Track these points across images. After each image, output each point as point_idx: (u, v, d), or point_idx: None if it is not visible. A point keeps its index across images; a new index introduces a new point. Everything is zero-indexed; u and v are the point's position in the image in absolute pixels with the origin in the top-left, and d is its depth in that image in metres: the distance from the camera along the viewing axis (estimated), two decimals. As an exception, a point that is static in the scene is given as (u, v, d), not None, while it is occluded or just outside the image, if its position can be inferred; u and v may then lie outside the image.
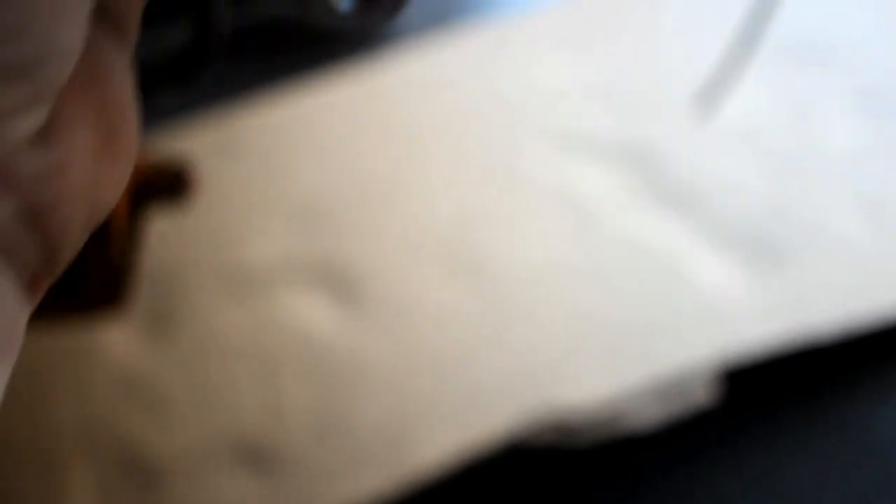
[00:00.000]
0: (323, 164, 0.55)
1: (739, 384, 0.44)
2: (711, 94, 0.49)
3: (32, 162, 0.17)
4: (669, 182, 0.51)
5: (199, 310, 0.48)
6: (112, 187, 0.19)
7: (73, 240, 0.19)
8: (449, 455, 0.42)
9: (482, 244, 0.50)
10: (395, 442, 0.43)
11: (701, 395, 0.42)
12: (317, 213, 0.52)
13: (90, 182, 0.18)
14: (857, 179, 0.50)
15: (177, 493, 0.42)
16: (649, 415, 0.42)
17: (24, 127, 0.17)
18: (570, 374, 0.44)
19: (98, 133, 0.18)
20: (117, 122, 0.19)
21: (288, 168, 0.55)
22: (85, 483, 0.43)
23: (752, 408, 0.43)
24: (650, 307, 0.46)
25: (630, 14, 0.59)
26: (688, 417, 0.43)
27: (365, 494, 0.42)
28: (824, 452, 0.42)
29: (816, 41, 0.57)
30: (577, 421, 0.42)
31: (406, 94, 0.58)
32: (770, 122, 0.53)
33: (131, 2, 0.19)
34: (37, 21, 0.16)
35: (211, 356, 0.46)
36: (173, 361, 0.46)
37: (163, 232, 0.51)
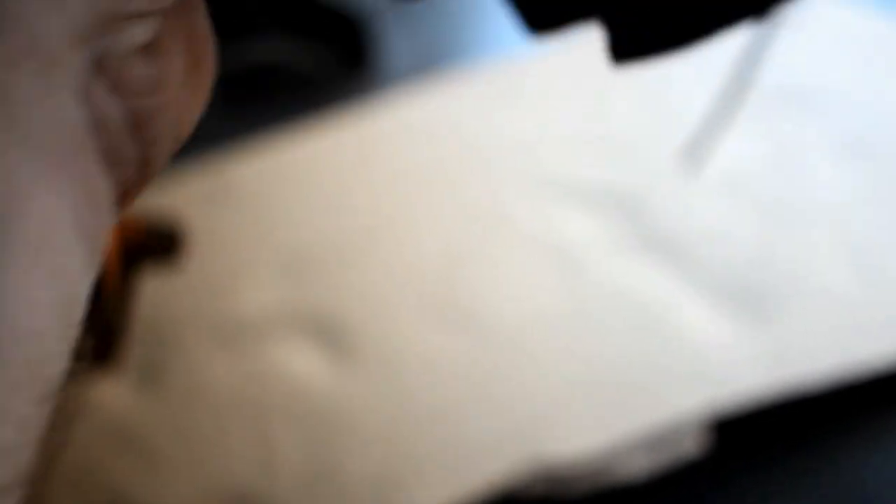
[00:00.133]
0: (312, 212, 0.55)
1: (729, 434, 0.44)
2: (699, 145, 0.49)
3: (140, 71, 0.19)
4: (656, 230, 0.51)
5: (190, 360, 0.48)
6: (191, 114, 0.21)
7: (163, 154, 0.20)
8: (440, 507, 0.42)
9: (471, 293, 0.50)
10: (386, 493, 0.43)
11: (690, 445, 0.43)
12: (306, 262, 0.52)
13: (179, 103, 0.20)
14: (844, 228, 0.51)
15: (168, 547, 0.42)
16: (639, 465, 0.42)
17: (138, 34, 0.19)
18: (559, 424, 0.44)
19: (187, 59, 0.20)
20: (202, 52, 0.21)
21: (277, 216, 0.55)
22: (75, 537, 0.43)
23: (742, 457, 0.44)
24: (638, 357, 0.46)
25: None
26: (678, 468, 0.43)
27: (356, 547, 0.42)
28: (817, 501, 0.42)
29: (802, 88, 0.57)
30: (567, 472, 0.42)
31: (396, 142, 0.58)
32: (756, 170, 0.54)
33: None
34: None
35: (201, 407, 0.46)
36: (164, 412, 0.46)
37: (152, 282, 0.51)
